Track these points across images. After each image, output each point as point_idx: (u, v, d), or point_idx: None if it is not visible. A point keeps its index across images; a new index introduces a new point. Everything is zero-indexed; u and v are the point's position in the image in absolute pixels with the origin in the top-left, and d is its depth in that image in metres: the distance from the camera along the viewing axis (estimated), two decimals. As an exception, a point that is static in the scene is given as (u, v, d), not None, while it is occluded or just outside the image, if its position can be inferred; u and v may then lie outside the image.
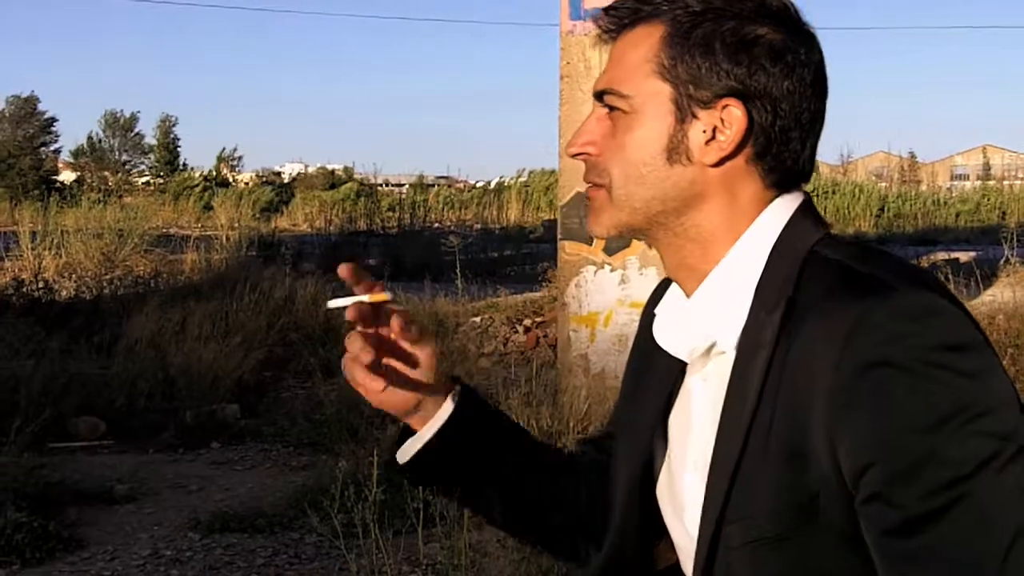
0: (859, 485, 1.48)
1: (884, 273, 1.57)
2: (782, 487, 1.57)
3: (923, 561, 1.42)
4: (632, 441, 1.94)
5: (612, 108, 1.77)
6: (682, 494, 1.82)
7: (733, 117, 1.68)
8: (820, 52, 1.75)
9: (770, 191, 1.74)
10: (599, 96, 1.79)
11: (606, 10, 1.80)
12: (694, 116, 1.70)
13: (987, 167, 79.79)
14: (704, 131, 1.70)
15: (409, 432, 2.03)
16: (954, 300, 1.57)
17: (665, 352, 1.84)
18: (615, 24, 1.79)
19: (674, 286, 1.88)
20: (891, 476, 1.44)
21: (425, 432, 2.00)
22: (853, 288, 1.55)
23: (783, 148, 1.72)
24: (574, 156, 1.81)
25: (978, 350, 1.51)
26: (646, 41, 1.73)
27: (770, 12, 1.71)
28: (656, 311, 1.90)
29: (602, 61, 6.94)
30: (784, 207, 1.74)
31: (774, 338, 1.60)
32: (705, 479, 1.70)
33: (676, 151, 1.71)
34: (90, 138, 73.96)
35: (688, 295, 1.80)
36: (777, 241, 1.70)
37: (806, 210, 1.75)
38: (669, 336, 1.83)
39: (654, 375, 1.91)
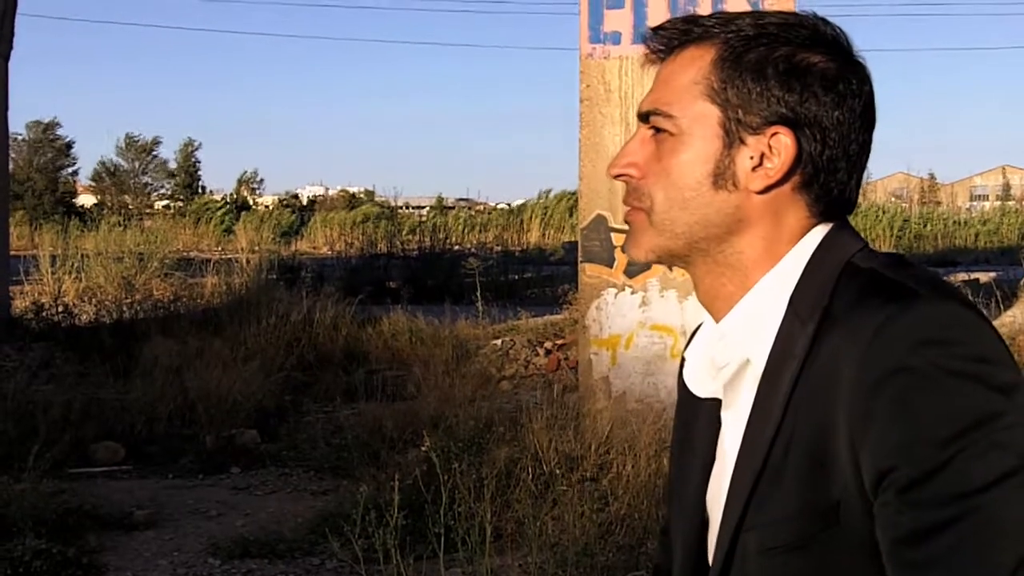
0: (877, 491, 1.45)
1: (913, 282, 1.54)
2: (804, 494, 1.54)
3: (929, 571, 1.39)
4: (683, 505, 1.86)
5: (657, 129, 1.72)
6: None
7: (781, 145, 1.64)
8: (871, 82, 1.71)
9: (814, 220, 1.69)
10: (644, 117, 1.74)
11: (655, 30, 1.76)
12: (742, 142, 1.66)
13: (1007, 187, 79.80)
14: (751, 157, 1.65)
15: None
16: (982, 315, 1.54)
17: (706, 404, 1.79)
18: (664, 44, 1.75)
19: (702, 328, 1.84)
20: (907, 484, 1.41)
21: None
22: (879, 294, 1.53)
23: (830, 178, 1.67)
24: (616, 177, 1.76)
25: (1006, 364, 1.48)
26: (696, 62, 1.69)
27: (824, 40, 1.68)
28: (686, 355, 1.86)
29: (622, 84, 6.92)
30: (822, 229, 1.69)
31: (806, 348, 1.56)
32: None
33: (722, 176, 1.66)
34: (103, 163, 74.40)
35: (719, 322, 1.75)
36: (813, 255, 1.66)
37: (842, 226, 1.71)
38: (699, 377, 1.79)
39: (698, 430, 1.84)
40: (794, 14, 1.71)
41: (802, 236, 1.69)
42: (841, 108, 1.65)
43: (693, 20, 1.72)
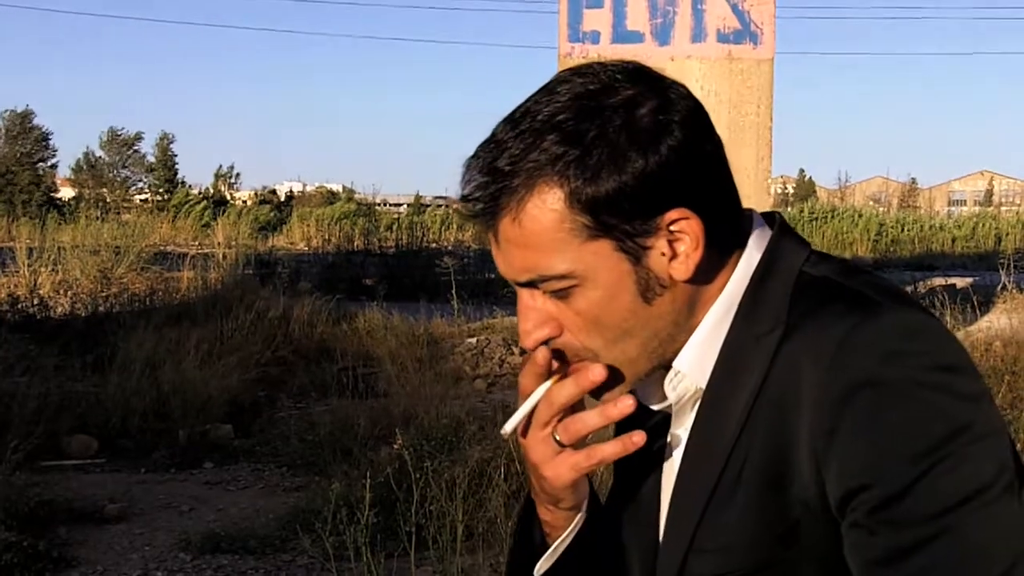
0: (846, 511, 1.40)
1: (871, 290, 1.49)
2: (760, 514, 1.49)
3: None
4: (637, 525, 1.77)
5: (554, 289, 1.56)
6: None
7: (681, 227, 1.52)
8: (686, 88, 1.58)
9: (733, 246, 1.61)
10: (528, 285, 1.58)
11: (466, 199, 1.56)
12: (645, 248, 1.52)
13: (989, 193, 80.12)
14: (663, 254, 1.52)
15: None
16: (939, 322, 1.49)
17: (655, 423, 1.72)
18: (491, 207, 1.54)
19: None
20: (880, 503, 1.36)
21: (561, 544, 1.79)
22: (838, 304, 1.47)
23: (721, 199, 1.58)
24: (533, 349, 1.61)
25: (971, 373, 1.43)
26: (547, 212, 1.50)
27: (633, 81, 1.54)
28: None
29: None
30: (758, 240, 1.62)
31: (767, 361, 1.50)
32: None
33: (648, 289, 1.54)
34: (87, 155, 74.20)
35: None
36: (759, 266, 1.59)
37: (783, 231, 1.64)
38: (652, 394, 1.70)
39: (647, 450, 1.69)
40: (581, 77, 1.54)
41: (735, 264, 1.61)
42: (698, 135, 1.55)
43: (498, 172, 1.52)
